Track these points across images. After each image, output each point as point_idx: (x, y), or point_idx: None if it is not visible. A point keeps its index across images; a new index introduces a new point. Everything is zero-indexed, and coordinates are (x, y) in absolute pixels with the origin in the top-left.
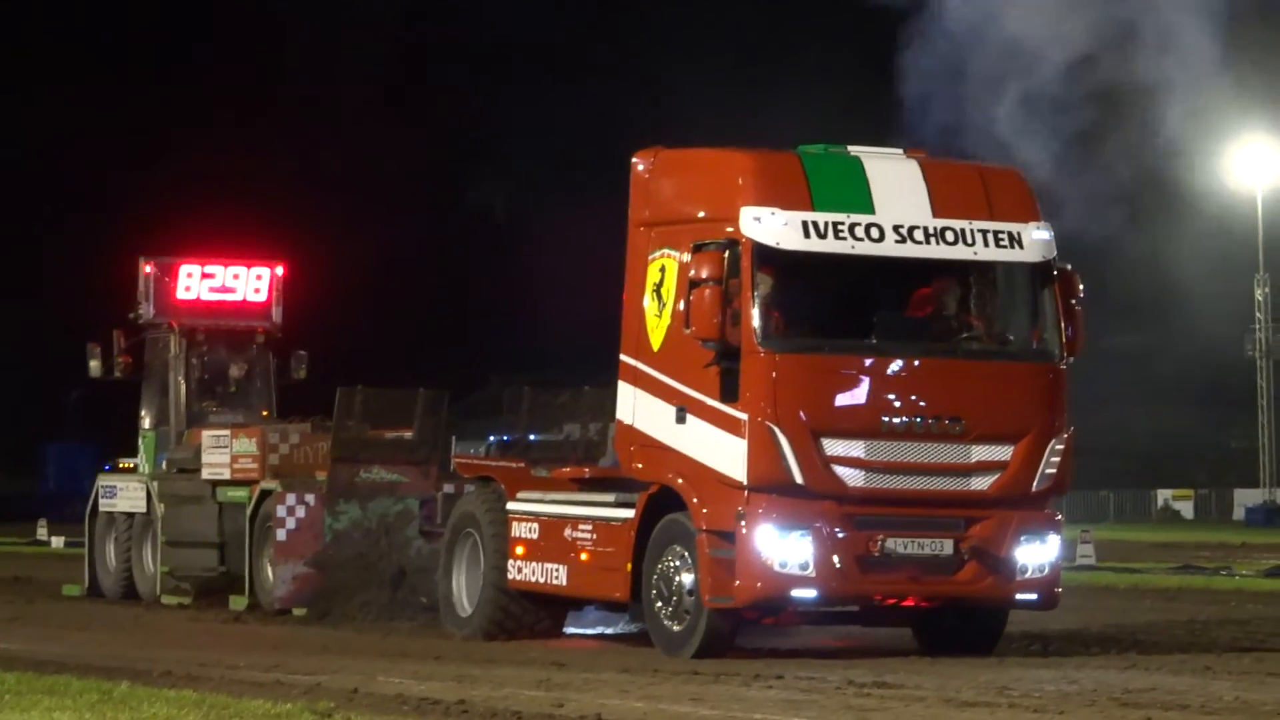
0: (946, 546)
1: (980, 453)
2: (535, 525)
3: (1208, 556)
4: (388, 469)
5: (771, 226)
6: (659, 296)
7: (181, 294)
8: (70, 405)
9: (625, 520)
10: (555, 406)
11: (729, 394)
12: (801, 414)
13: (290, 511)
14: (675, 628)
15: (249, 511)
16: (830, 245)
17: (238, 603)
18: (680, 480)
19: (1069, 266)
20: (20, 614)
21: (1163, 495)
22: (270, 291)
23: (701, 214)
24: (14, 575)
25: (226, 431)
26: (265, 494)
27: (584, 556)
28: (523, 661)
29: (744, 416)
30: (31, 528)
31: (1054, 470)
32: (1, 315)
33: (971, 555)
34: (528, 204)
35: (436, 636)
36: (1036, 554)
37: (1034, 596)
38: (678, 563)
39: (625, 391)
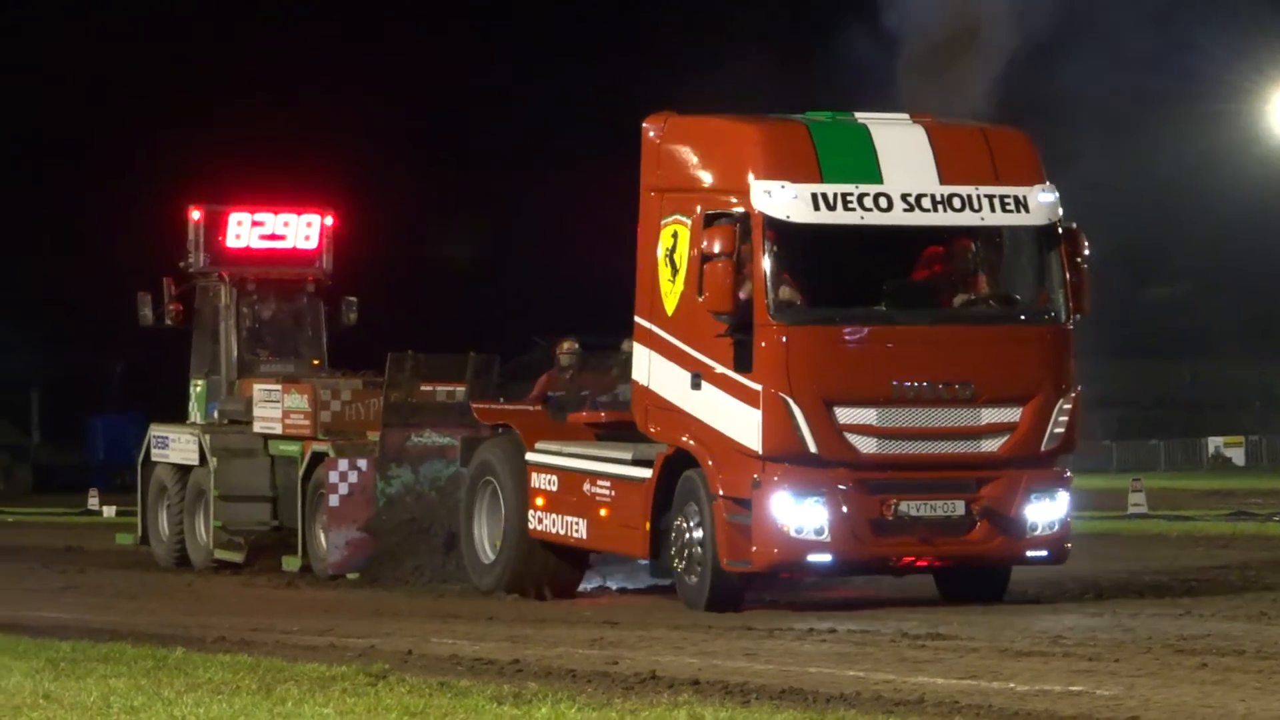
0: (958, 507)
1: (990, 415)
2: (554, 478)
3: (1259, 503)
4: (439, 432)
5: (781, 200)
6: (672, 262)
7: (231, 242)
8: (115, 378)
9: (643, 480)
10: (607, 369)
11: (743, 364)
12: (814, 384)
13: (342, 477)
14: (693, 581)
15: (300, 473)
16: (840, 217)
17: (290, 563)
18: (695, 444)
19: (1074, 225)
20: (73, 583)
21: (1214, 443)
22: (320, 239)
23: (711, 183)
24: (66, 545)
25: (278, 386)
26: (317, 456)
27: (603, 512)
28: (575, 620)
29: (758, 387)
30: (82, 498)
31: (1062, 429)
32: (45, 290)
33: (983, 515)
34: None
35: (489, 598)
36: (1046, 511)
37: (1044, 553)
38: (693, 521)
39: (640, 353)
